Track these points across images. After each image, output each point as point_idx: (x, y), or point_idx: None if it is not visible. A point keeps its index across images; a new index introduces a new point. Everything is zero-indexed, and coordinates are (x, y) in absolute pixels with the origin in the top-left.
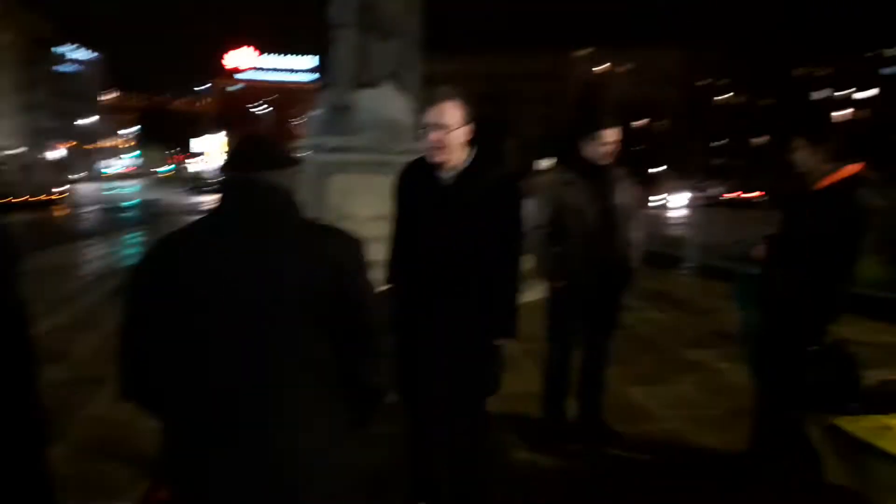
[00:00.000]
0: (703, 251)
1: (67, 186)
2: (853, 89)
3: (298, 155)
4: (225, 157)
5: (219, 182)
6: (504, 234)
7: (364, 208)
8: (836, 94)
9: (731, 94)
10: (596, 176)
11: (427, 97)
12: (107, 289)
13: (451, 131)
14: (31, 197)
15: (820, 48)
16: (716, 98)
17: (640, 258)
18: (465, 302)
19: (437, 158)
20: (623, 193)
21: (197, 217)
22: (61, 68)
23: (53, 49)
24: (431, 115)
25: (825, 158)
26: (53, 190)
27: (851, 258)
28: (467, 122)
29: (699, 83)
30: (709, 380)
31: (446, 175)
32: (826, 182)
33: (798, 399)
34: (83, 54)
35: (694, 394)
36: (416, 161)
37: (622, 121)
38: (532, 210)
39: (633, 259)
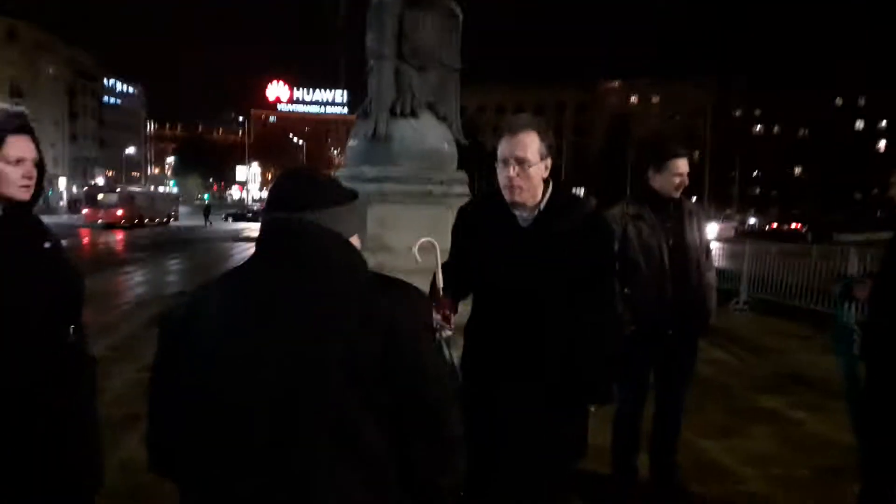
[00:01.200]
0: (753, 285)
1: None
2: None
3: (350, 189)
4: (267, 192)
5: (261, 223)
6: (595, 280)
7: (404, 239)
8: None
9: (764, 124)
10: (667, 210)
11: (505, 126)
12: (145, 318)
13: (532, 166)
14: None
15: (858, 78)
16: (754, 128)
17: (715, 299)
18: (555, 360)
19: (516, 198)
20: (695, 229)
21: (238, 259)
22: (106, 100)
23: (96, 81)
24: (508, 148)
25: None
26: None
27: None
28: (548, 155)
29: (734, 113)
30: (787, 432)
31: (525, 215)
32: None
33: None
34: (124, 87)
35: (774, 449)
36: (484, 199)
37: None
38: None
39: (708, 300)
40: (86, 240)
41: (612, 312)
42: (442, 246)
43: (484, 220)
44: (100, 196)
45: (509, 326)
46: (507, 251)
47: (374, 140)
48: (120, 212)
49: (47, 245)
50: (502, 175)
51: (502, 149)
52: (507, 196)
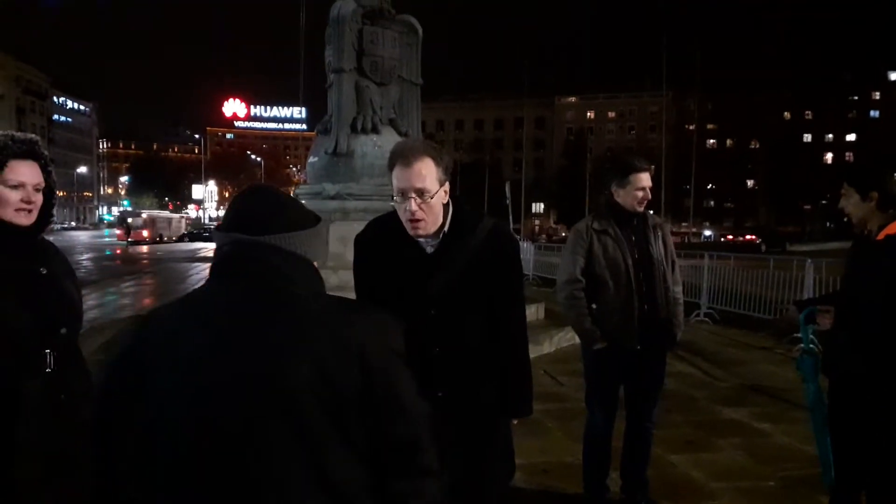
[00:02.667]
0: (712, 297)
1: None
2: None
3: (313, 213)
4: (226, 213)
5: (217, 244)
6: (505, 294)
7: None
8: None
9: (717, 138)
10: (632, 224)
11: (397, 154)
12: (98, 343)
13: (433, 196)
14: None
15: (807, 92)
16: (708, 141)
17: (682, 314)
18: (470, 381)
19: (420, 232)
20: (660, 242)
21: (193, 283)
22: (56, 118)
23: (46, 99)
24: (405, 180)
25: (878, 206)
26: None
27: None
28: (446, 179)
29: (688, 127)
30: (754, 444)
31: (429, 242)
32: (888, 231)
33: (876, 484)
34: (75, 105)
35: (741, 461)
36: (380, 226)
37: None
38: (563, 262)
39: (675, 314)
40: (118, 250)
41: (521, 326)
42: None
43: (386, 249)
44: (129, 219)
45: (427, 357)
46: (415, 281)
47: (336, 156)
48: (145, 232)
49: (43, 271)
50: (402, 209)
51: (399, 181)
52: (409, 231)
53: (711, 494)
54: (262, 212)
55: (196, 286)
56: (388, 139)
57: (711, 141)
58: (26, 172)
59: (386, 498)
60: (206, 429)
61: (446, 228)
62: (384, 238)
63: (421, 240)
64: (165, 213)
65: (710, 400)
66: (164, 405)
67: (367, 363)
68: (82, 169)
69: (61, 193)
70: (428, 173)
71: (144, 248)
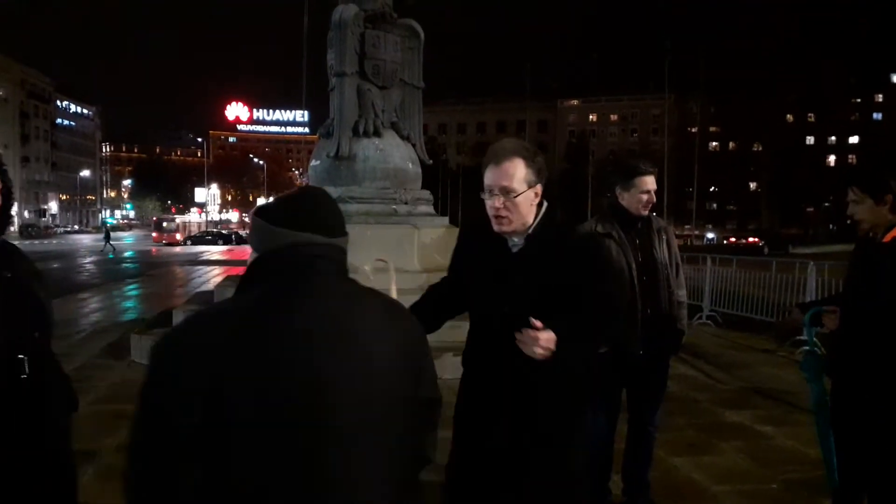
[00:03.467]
0: (715, 299)
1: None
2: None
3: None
4: (290, 213)
5: (284, 245)
6: (584, 309)
7: (369, 259)
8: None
9: (720, 140)
10: (636, 228)
11: (490, 154)
12: (100, 347)
13: (518, 195)
14: None
15: (810, 95)
16: (710, 143)
17: (686, 316)
18: (544, 390)
19: (503, 228)
20: (664, 246)
21: (241, 292)
22: (59, 122)
23: (49, 103)
24: (492, 178)
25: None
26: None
27: None
28: (537, 181)
29: (690, 129)
30: (756, 446)
31: (515, 240)
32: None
33: (878, 486)
34: (78, 108)
35: (744, 464)
36: (480, 220)
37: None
38: None
39: (679, 318)
40: (154, 250)
41: (587, 341)
42: (404, 265)
43: (478, 242)
44: (164, 223)
45: (498, 353)
46: (495, 276)
47: (338, 160)
48: (178, 235)
49: (7, 274)
50: (488, 205)
51: (487, 178)
52: (494, 226)
53: (714, 497)
54: (336, 215)
55: (207, 288)
56: (389, 142)
57: (714, 143)
58: None
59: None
60: (324, 418)
61: (530, 230)
62: (481, 231)
63: (509, 238)
64: (195, 218)
65: (713, 402)
66: (263, 406)
67: (421, 345)
68: (85, 172)
69: (64, 197)
70: (515, 173)
71: (177, 249)
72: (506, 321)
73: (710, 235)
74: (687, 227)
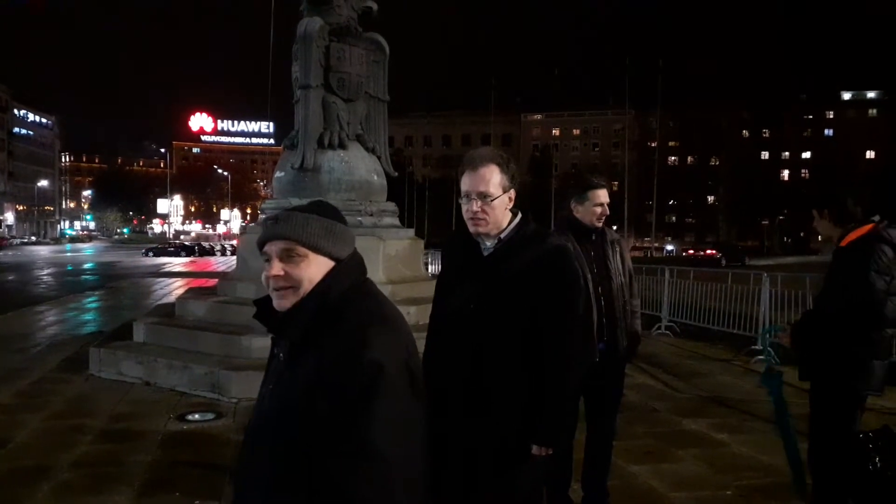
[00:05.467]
0: (673, 310)
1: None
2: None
3: None
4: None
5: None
6: (550, 316)
7: None
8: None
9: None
10: (590, 239)
11: (467, 161)
12: (57, 361)
13: (494, 199)
14: None
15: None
16: (670, 158)
17: (640, 325)
18: (496, 394)
19: (479, 230)
20: (618, 257)
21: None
22: (16, 131)
23: (6, 112)
24: (469, 183)
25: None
26: None
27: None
28: (511, 186)
29: (650, 144)
30: (713, 454)
31: (488, 244)
32: (850, 238)
33: (853, 491)
34: (36, 118)
35: (701, 471)
36: (457, 233)
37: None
38: None
39: (633, 325)
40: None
41: (562, 351)
42: (371, 277)
43: (456, 248)
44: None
45: (455, 353)
46: (464, 275)
47: (302, 171)
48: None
49: None
50: (465, 209)
51: (464, 184)
52: (470, 228)
53: (672, 503)
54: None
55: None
56: (354, 154)
57: (673, 158)
58: None
59: None
60: None
61: (503, 235)
62: (459, 239)
63: (483, 243)
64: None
65: (671, 411)
66: None
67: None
68: (43, 182)
69: (21, 207)
70: (491, 178)
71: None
72: (471, 318)
73: (670, 247)
74: (647, 239)
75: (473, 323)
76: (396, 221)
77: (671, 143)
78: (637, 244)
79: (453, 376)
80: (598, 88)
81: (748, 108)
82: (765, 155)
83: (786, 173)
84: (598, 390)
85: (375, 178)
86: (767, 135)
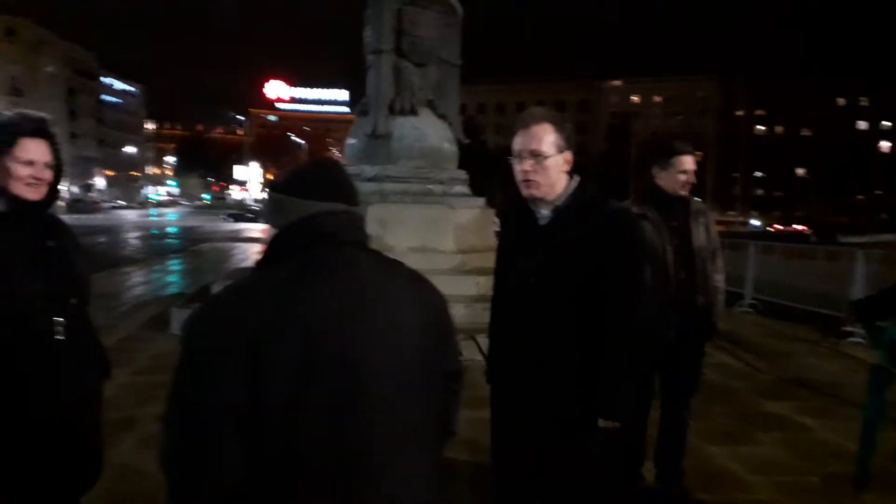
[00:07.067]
0: (758, 287)
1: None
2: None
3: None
4: (313, 182)
5: (316, 213)
6: (616, 285)
7: (404, 239)
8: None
9: (766, 124)
10: (673, 209)
11: (519, 121)
12: (142, 320)
13: (547, 159)
14: None
15: (861, 79)
16: (756, 128)
17: (723, 303)
18: (561, 368)
19: (533, 192)
20: (703, 229)
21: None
22: (104, 98)
23: (95, 80)
24: (521, 142)
25: None
26: None
27: None
28: (567, 148)
29: (736, 113)
30: (795, 438)
31: (544, 212)
32: None
33: None
34: (123, 85)
35: (782, 455)
36: (518, 196)
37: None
38: None
39: (716, 304)
40: None
41: (628, 324)
42: (439, 246)
43: (510, 217)
44: None
45: (517, 327)
46: (523, 249)
47: (373, 138)
48: None
49: (52, 244)
50: (517, 169)
51: (516, 143)
52: (523, 191)
53: (749, 488)
54: (350, 183)
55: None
56: (425, 121)
57: (760, 127)
58: (36, 150)
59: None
60: (359, 391)
61: (560, 203)
62: (514, 209)
63: (539, 212)
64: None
65: (752, 392)
66: (298, 379)
67: (443, 315)
68: (130, 149)
69: (111, 173)
70: (544, 136)
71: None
72: (531, 292)
73: (755, 222)
74: (730, 213)
75: (534, 298)
76: (467, 190)
77: (758, 112)
78: (720, 218)
79: (516, 351)
80: (682, 54)
81: (844, 73)
82: (862, 125)
83: (885, 144)
84: (675, 368)
85: (446, 145)
86: (866, 103)
